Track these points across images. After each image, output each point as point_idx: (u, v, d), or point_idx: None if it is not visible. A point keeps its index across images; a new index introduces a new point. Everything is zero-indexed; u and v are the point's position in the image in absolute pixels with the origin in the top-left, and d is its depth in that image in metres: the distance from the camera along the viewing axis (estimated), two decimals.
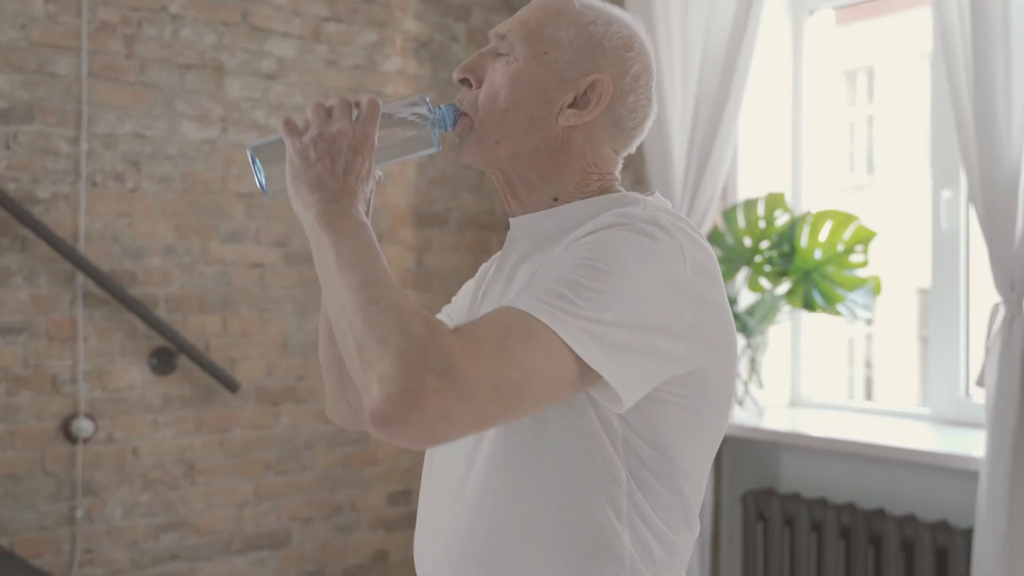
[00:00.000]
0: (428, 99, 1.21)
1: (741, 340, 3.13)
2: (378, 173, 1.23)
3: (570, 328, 0.99)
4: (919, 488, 2.61)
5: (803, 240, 2.90)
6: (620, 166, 1.28)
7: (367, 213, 1.18)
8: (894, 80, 11.93)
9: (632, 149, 1.28)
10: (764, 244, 2.99)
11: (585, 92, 1.19)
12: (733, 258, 3.03)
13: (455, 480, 1.20)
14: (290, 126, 1.15)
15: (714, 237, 3.05)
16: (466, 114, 1.22)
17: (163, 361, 3.07)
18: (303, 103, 3.33)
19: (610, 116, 1.22)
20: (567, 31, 1.20)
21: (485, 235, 3.71)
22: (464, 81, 1.23)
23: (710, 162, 2.93)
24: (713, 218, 3.12)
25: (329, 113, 1.15)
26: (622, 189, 1.26)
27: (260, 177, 1.19)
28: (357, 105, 1.16)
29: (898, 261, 10.77)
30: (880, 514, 2.60)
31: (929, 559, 2.47)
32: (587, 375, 1.02)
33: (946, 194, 2.78)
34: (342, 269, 1.06)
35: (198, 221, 3.15)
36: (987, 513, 2.26)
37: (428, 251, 3.62)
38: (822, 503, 2.71)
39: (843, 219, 2.88)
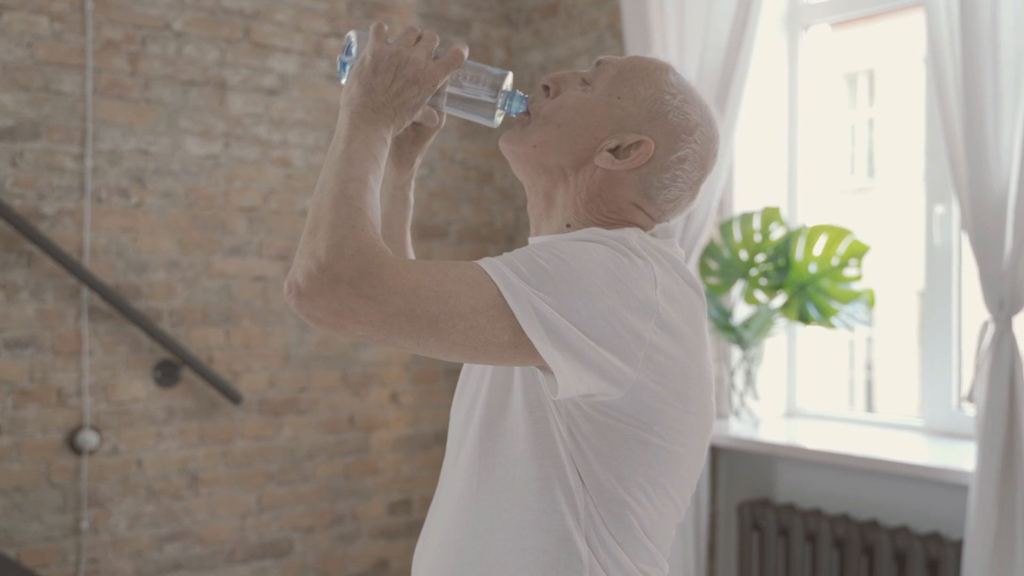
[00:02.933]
0: (511, 77, 1.29)
1: (737, 352, 3.17)
2: (440, 118, 1.33)
3: (518, 295, 1.05)
4: (912, 500, 2.65)
5: (798, 254, 2.94)
6: (653, 224, 1.31)
7: (417, 147, 1.40)
8: (894, 83, 11.96)
9: (662, 222, 1.31)
10: (760, 257, 3.03)
11: (629, 146, 1.24)
12: (729, 271, 3.07)
13: (444, 501, 1.28)
14: (379, 30, 1.22)
15: (710, 250, 3.09)
16: (528, 113, 1.29)
17: (167, 374, 3.12)
18: (305, 118, 3.37)
19: (641, 179, 1.25)
20: (647, 90, 1.26)
21: (484, 247, 3.75)
22: (545, 88, 1.30)
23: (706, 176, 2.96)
24: (709, 231, 3.15)
25: (417, 39, 1.23)
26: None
27: (345, 59, 1.27)
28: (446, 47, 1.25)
29: (899, 263, 10.80)
30: (873, 525, 2.64)
31: (921, 570, 2.51)
32: (519, 347, 1.07)
33: (939, 209, 2.81)
34: (341, 159, 1.14)
35: (201, 235, 3.19)
36: (977, 525, 2.30)
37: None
38: (816, 514, 2.75)
39: (837, 233, 2.91)
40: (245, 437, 3.28)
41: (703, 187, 1.31)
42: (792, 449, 2.85)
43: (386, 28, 1.23)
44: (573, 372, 1.08)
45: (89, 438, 2.96)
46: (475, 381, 1.28)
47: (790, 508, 2.82)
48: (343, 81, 1.26)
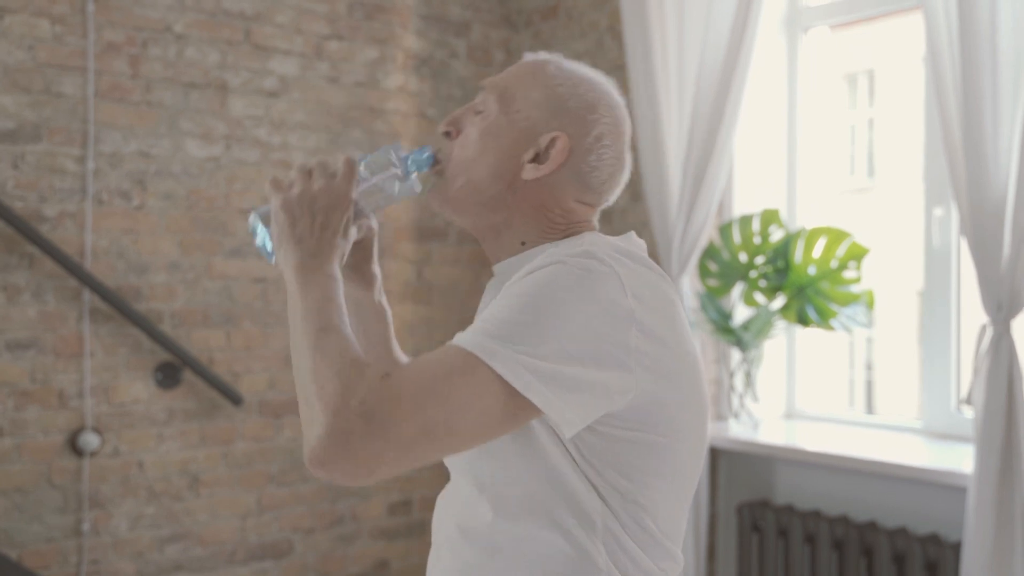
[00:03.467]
0: (400, 146, 1.29)
1: (737, 354, 3.17)
2: (372, 222, 1.33)
3: (506, 362, 1.05)
4: (910, 502, 2.65)
5: (797, 256, 2.95)
6: (596, 214, 1.33)
7: (368, 261, 1.34)
8: (894, 83, 11.95)
9: (607, 202, 1.33)
10: (759, 260, 3.04)
11: (546, 148, 1.26)
12: (728, 273, 3.08)
13: (449, 510, 1.28)
14: (277, 183, 1.23)
15: (710, 252, 3.10)
16: (440, 162, 1.30)
17: (168, 375, 3.12)
18: (306, 120, 3.38)
19: (572, 172, 1.28)
20: (537, 92, 1.28)
21: (483, 249, 3.75)
22: (447, 133, 1.31)
23: (706, 178, 2.97)
24: (709, 234, 3.16)
25: (310, 174, 1.23)
26: (596, 228, 1.33)
27: (264, 240, 1.26)
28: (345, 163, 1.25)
29: (899, 263, 10.80)
30: (872, 527, 2.64)
31: (920, 571, 2.52)
32: (526, 408, 1.08)
33: (938, 212, 2.82)
34: (303, 319, 1.14)
35: (202, 237, 3.20)
36: (975, 527, 2.31)
37: (428, 264, 3.67)
38: (816, 515, 2.76)
39: (837, 236, 2.92)
40: (246, 438, 3.29)
41: (627, 154, 1.33)
42: (791, 451, 2.85)
43: (280, 178, 1.24)
44: (579, 407, 1.09)
45: (90, 439, 2.97)
46: None
47: (789, 509, 2.83)
48: (271, 259, 1.26)
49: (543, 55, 1.34)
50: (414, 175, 1.29)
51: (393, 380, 1.04)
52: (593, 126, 1.28)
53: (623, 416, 1.14)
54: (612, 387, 1.11)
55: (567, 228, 1.30)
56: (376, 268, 1.44)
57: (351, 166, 1.23)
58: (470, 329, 1.10)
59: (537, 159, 1.27)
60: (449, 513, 1.27)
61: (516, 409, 1.07)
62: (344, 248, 1.23)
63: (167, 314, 3.14)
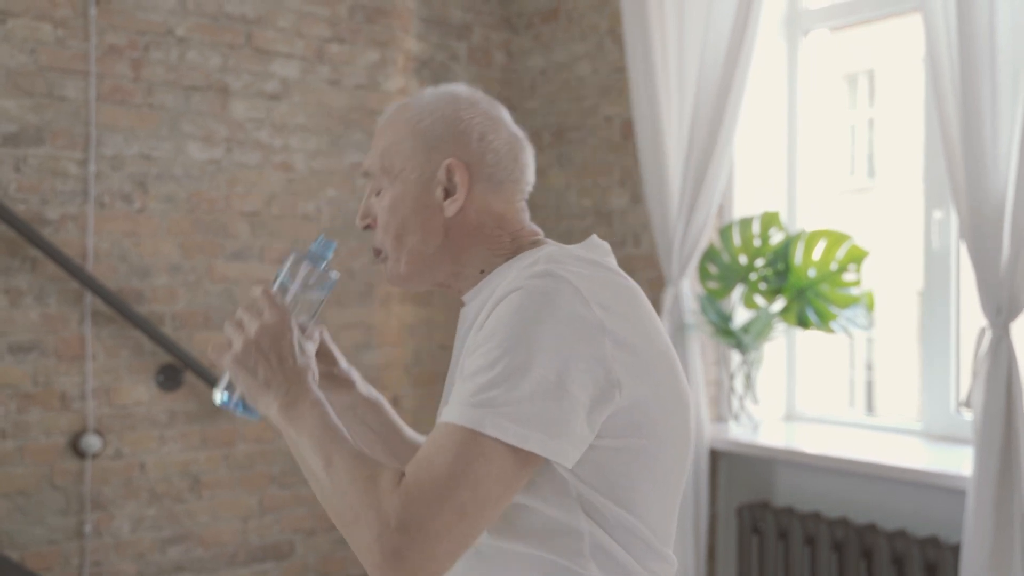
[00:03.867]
0: (297, 252, 1.32)
1: (737, 356, 3.18)
2: (319, 330, 1.35)
3: (496, 426, 1.07)
4: (910, 504, 2.66)
5: (797, 258, 2.96)
6: (526, 212, 1.36)
7: (335, 364, 1.42)
8: (894, 83, 11.96)
9: (529, 184, 1.36)
10: (759, 262, 3.04)
11: (448, 179, 1.29)
12: (728, 275, 3.09)
13: None
14: (219, 346, 1.26)
15: (710, 254, 3.11)
16: (379, 250, 1.33)
17: (169, 377, 3.13)
18: (306, 123, 3.39)
19: (483, 181, 1.31)
20: (406, 141, 1.31)
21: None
22: (367, 226, 1.36)
23: (706, 180, 2.98)
24: (709, 236, 3.17)
25: (241, 324, 1.26)
26: (540, 235, 1.35)
27: (240, 406, 1.29)
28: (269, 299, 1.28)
29: (899, 263, 10.81)
30: (872, 529, 2.65)
31: (919, 573, 2.53)
32: (531, 457, 1.10)
33: (937, 214, 2.83)
34: (309, 455, 1.17)
35: (203, 240, 3.21)
36: (974, 529, 2.32)
37: None
38: (815, 517, 2.77)
39: (836, 238, 2.93)
40: (247, 440, 3.30)
41: (514, 129, 1.35)
42: (791, 453, 2.86)
43: (219, 341, 1.27)
44: (575, 436, 1.11)
45: (92, 441, 2.98)
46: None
47: (789, 511, 2.84)
48: (257, 416, 1.28)
49: (395, 104, 1.37)
50: (323, 266, 1.32)
51: (410, 484, 1.07)
52: (469, 133, 1.31)
53: (607, 425, 1.15)
54: (600, 404, 1.12)
55: (513, 240, 1.32)
56: (345, 366, 1.46)
57: (269, 296, 1.26)
58: (454, 398, 1.12)
59: (448, 193, 1.29)
60: None
61: (525, 459, 1.10)
62: (310, 366, 1.25)
63: (168, 316, 3.15)
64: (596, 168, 3.53)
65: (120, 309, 2.99)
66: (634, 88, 3.14)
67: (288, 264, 1.31)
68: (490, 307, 1.17)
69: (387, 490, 1.07)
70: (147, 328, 3.03)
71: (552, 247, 1.28)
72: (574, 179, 3.61)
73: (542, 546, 1.17)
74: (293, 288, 1.29)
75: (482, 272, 1.32)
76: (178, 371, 3.14)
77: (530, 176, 1.36)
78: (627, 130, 3.39)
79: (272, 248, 3.32)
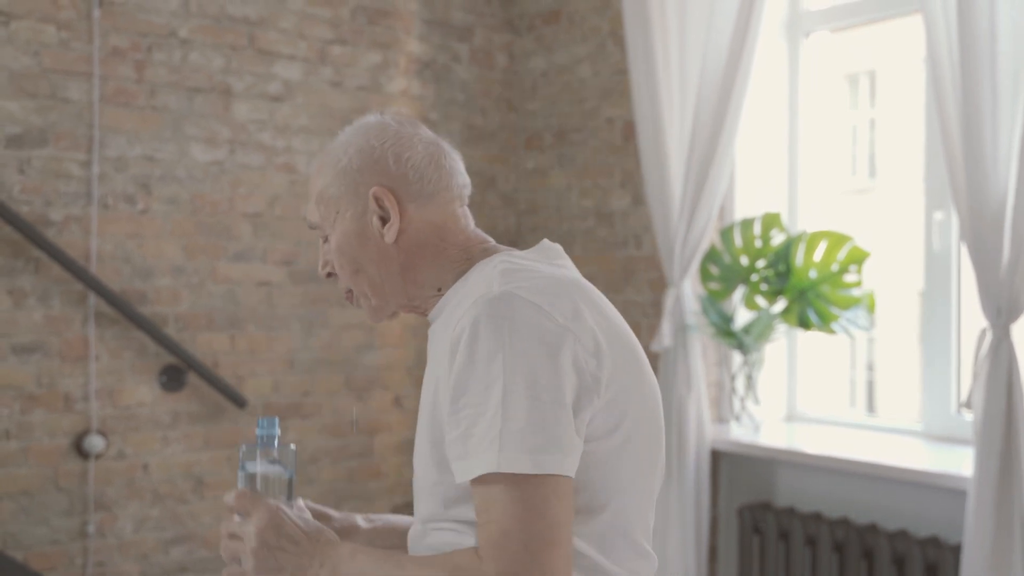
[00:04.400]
0: (245, 444, 1.35)
1: (738, 357, 3.19)
2: (298, 501, 1.37)
3: (510, 460, 1.10)
4: (911, 504, 2.67)
5: (798, 259, 2.97)
6: (468, 218, 1.38)
7: (330, 520, 1.45)
8: (896, 84, 11.97)
9: (463, 188, 1.38)
10: (760, 263, 3.05)
11: (379, 207, 1.32)
12: (730, 276, 3.10)
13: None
14: (234, 573, 1.29)
15: (711, 256, 3.12)
16: (349, 291, 1.39)
17: (172, 378, 3.14)
18: (309, 124, 3.40)
19: (412, 199, 1.33)
20: (332, 184, 1.35)
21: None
22: (329, 274, 1.40)
23: (708, 182, 2.99)
24: (710, 237, 3.18)
25: (236, 537, 1.29)
26: (489, 242, 1.37)
27: None
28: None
29: (900, 263, 10.82)
30: (873, 529, 2.66)
31: (920, 574, 2.53)
32: (559, 476, 1.12)
33: (938, 216, 2.84)
34: None
35: (206, 241, 3.22)
36: (975, 530, 2.32)
37: None
38: (816, 517, 2.77)
39: (838, 239, 2.93)
40: (250, 441, 3.30)
41: (429, 139, 1.37)
42: (792, 453, 2.87)
43: (230, 572, 1.30)
44: (577, 445, 1.14)
45: (95, 442, 2.99)
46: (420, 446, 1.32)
47: (790, 512, 2.85)
48: None
49: (320, 154, 1.42)
50: (276, 443, 1.33)
51: (491, 548, 1.10)
52: (384, 158, 1.34)
53: (589, 429, 1.18)
54: (584, 404, 1.16)
55: (462, 251, 1.35)
56: (340, 516, 1.48)
57: (246, 496, 1.28)
58: (466, 450, 1.13)
59: (383, 221, 1.32)
60: (414, 552, 1.31)
61: (561, 480, 1.12)
62: (320, 526, 1.28)
63: (172, 318, 3.16)
64: (597, 169, 3.53)
65: (123, 310, 3.00)
66: (635, 90, 3.15)
67: (242, 457, 1.33)
68: (455, 333, 1.18)
69: (475, 566, 1.10)
70: (150, 329, 3.04)
71: (504, 258, 1.29)
72: (575, 180, 3.62)
73: None
74: (259, 477, 1.31)
75: (439, 290, 1.35)
76: (181, 372, 3.15)
77: (460, 179, 1.38)
78: (628, 132, 3.40)
79: (275, 250, 3.33)
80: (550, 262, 1.30)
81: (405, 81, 3.60)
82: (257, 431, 1.33)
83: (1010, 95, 2.29)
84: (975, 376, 2.36)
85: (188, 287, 3.19)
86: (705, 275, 3.14)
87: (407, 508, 3.63)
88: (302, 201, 3.39)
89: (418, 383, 3.67)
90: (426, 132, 1.38)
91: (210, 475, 3.23)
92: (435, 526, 1.27)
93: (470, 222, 1.38)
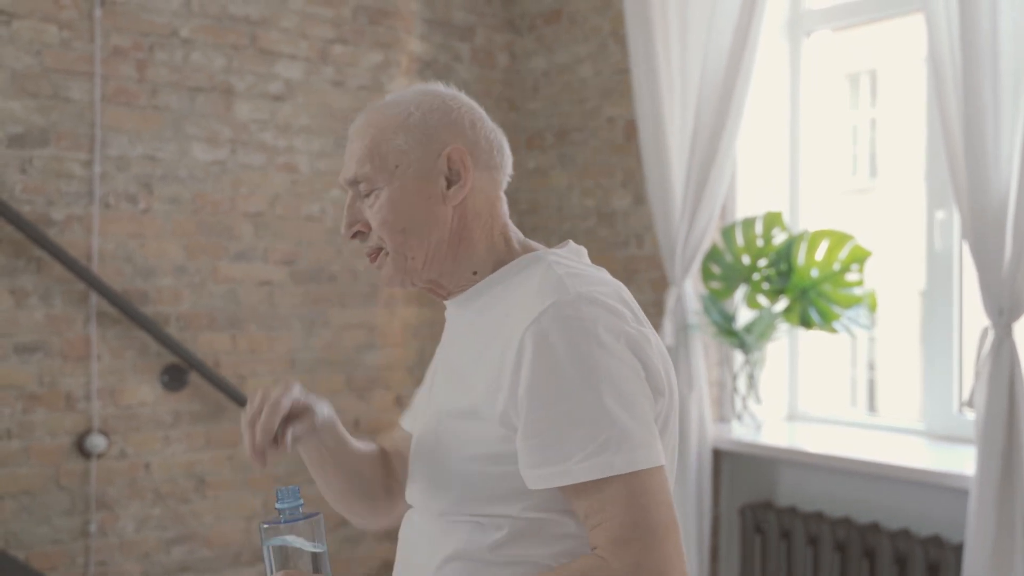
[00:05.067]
0: (267, 523, 1.25)
1: (740, 356, 3.19)
2: (295, 388, 1.33)
3: (627, 460, 1.12)
4: (913, 504, 2.67)
5: (800, 258, 2.96)
6: (506, 204, 1.38)
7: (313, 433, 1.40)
8: (897, 83, 11.96)
9: (508, 179, 1.38)
10: (762, 262, 3.05)
11: (449, 168, 1.29)
12: (731, 275, 3.09)
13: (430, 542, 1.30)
14: None
15: (713, 255, 3.12)
16: (377, 251, 1.32)
17: (174, 378, 3.14)
18: (310, 124, 3.40)
19: (481, 168, 1.32)
20: (398, 136, 1.29)
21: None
22: (358, 233, 1.33)
23: (709, 181, 2.99)
24: (712, 236, 3.18)
25: None
26: (522, 238, 1.37)
27: None
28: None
29: (901, 263, 10.80)
30: (874, 528, 2.66)
31: (922, 573, 2.53)
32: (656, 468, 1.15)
33: (940, 215, 2.84)
34: None
35: (208, 241, 3.22)
36: (977, 529, 2.32)
37: None
38: (818, 517, 2.77)
39: (839, 238, 2.93)
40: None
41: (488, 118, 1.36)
42: (794, 452, 2.87)
43: None
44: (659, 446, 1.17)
45: (97, 442, 2.99)
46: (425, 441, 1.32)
47: (792, 511, 2.85)
48: None
49: (369, 108, 1.35)
50: (301, 512, 1.26)
51: (614, 547, 1.11)
52: (461, 121, 1.32)
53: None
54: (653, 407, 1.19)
55: (502, 239, 1.34)
56: (321, 416, 1.40)
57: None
58: (574, 454, 1.13)
59: (450, 183, 1.30)
60: (430, 544, 1.29)
61: (662, 469, 1.15)
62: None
63: (173, 317, 3.16)
64: (599, 169, 3.53)
65: (125, 310, 3.00)
66: (637, 89, 3.15)
67: (265, 535, 1.23)
68: (526, 336, 1.16)
69: (602, 566, 1.11)
70: (152, 329, 3.04)
71: (555, 260, 1.29)
72: (576, 180, 3.62)
73: (554, 556, 1.20)
74: (288, 555, 1.23)
75: (474, 274, 1.32)
76: (183, 371, 3.15)
77: (510, 167, 1.38)
78: (630, 131, 3.40)
79: (276, 249, 3.33)
80: (586, 265, 1.31)
81: (406, 81, 3.60)
82: (278, 504, 1.24)
83: (1012, 93, 2.29)
84: (977, 375, 2.36)
85: (189, 287, 3.19)
86: (707, 274, 3.14)
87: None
88: (303, 201, 3.39)
89: (418, 382, 3.65)
90: (478, 107, 1.37)
91: (211, 474, 3.23)
92: (454, 519, 1.25)
93: (507, 210, 1.38)
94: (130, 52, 3.08)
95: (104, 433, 3.02)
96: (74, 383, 2.99)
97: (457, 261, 1.32)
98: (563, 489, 1.15)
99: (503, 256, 1.33)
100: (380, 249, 1.32)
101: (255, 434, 1.28)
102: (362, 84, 3.51)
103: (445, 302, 1.37)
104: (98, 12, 3.00)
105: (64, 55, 2.97)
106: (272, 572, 1.22)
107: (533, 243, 1.37)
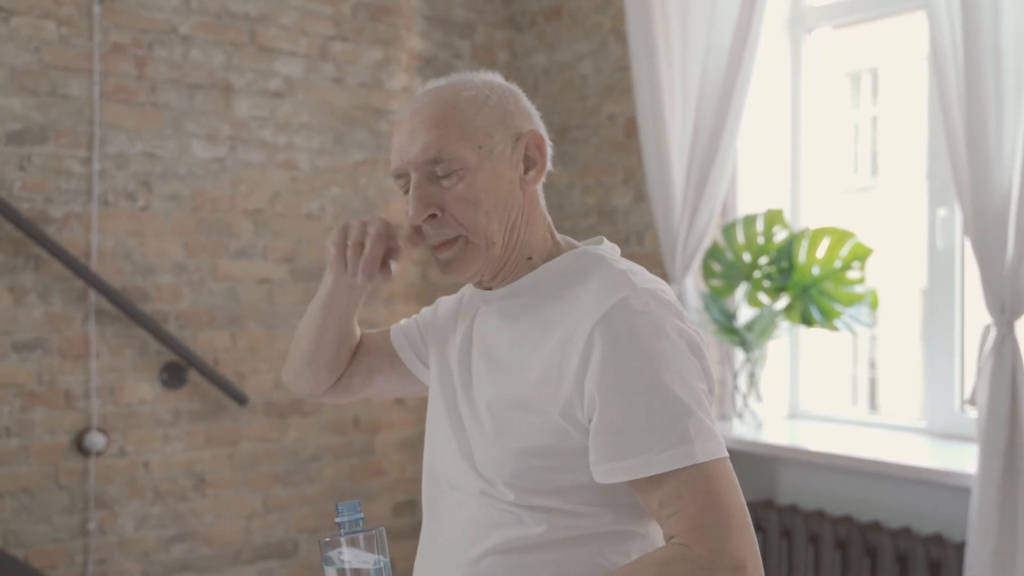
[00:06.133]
0: (327, 539, 1.20)
1: (740, 354, 3.18)
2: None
3: (706, 450, 1.14)
4: (914, 502, 2.66)
5: (801, 256, 2.96)
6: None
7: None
8: (898, 81, 11.95)
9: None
10: (763, 260, 3.04)
11: (526, 153, 1.30)
12: (732, 273, 3.09)
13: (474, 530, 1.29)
14: None
15: (714, 253, 3.11)
16: (453, 240, 1.28)
17: (173, 376, 3.14)
18: (310, 121, 3.39)
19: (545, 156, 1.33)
20: (480, 117, 1.27)
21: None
22: (432, 216, 1.27)
23: (710, 179, 2.98)
24: (713, 234, 3.17)
25: None
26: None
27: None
28: None
29: (902, 261, 10.80)
30: (876, 527, 2.65)
31: (923, 572, 2.52)
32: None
33: (941, 212, 2.83)
34: None
35: (207, 238, 3.21)
36: (979, 528, 2.31)
37: (432, 265, 3.67)
38: (819, 515, 2.76)
39: (840, 236, 2.92)
40: (251, 439, 3.30)
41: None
42: (795, 451, 2.86)
43: None
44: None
45: (96, 440, 2.98)
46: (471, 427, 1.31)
47: (793, 509, 2.84)
48: None
49: (434, 89, 1.31)
50: (361, 525, 1.20)
51: (693, 536, 1.12)
52: (528, 109, 1.33)
53: None
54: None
55: (547, 229, 1.35)
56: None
57: None
58: (651, 446, 1.14)
59: (528, 167, 1.30)
60: (470, 533, 1.28)
61: (727, 459, 1.18)
62: None
63: (173, 315, 3.15)
64: (599, 167, 3.52)
65: (124, 307, 2.99)
66: (637, 86, 3.14)
67: (324, 550, 1.18)
68: (593, 332, 1.18)
69: (684, 554, 1.11)
70: (151, 326, 3.04)
71: (605, 251, 1.31)
72: (577, 178, 3.61)
73: (595, 550, 1.23)
74: (349, 572, 1.17)
75: (529, 259, 1.32)
76: (182, 369, 3.14)
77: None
78: (630, 128, 3.39)
79: (276, 247, 3.33)
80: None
81: (406, 78, 3.59)
82: (338, 519, 1.19)
83: (1014, 89, 2.28)
84: (979, 373, 2.35)
85: (189, 284, 3.18)
86: (707, 272, 3.13)
87: (408, 505, 3.62)
88: (303, 198, 3.38)
89: None
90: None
91: (211, 473, 3.22)
92: (498, 508, 1.25)
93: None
94: (129, 49, 3.07)
95: (103, 431, 3.02)
96: (73, 381, 2.99)
97: (520, 248, 1.32)
98: (635, 481, 1.17)
99: (550, 246, 1.34)
100: (455, 238, 1.27)
101: (356, 261, 1.31)
102: (362, 81, 3.50)
103: (484, 292, 1.35)
104: (97, 9, 3.00)
105: (63, 52, 2.97)
106: None
107: (569, 238, 1.38)
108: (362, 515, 1.19)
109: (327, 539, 1.19)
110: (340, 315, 1.47)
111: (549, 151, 1.33)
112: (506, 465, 1.23)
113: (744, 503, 1.16)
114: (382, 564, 1.19)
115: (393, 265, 1.33)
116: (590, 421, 1.18)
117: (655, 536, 1.26)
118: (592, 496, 1.21)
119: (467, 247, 1.28)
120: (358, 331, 1.55)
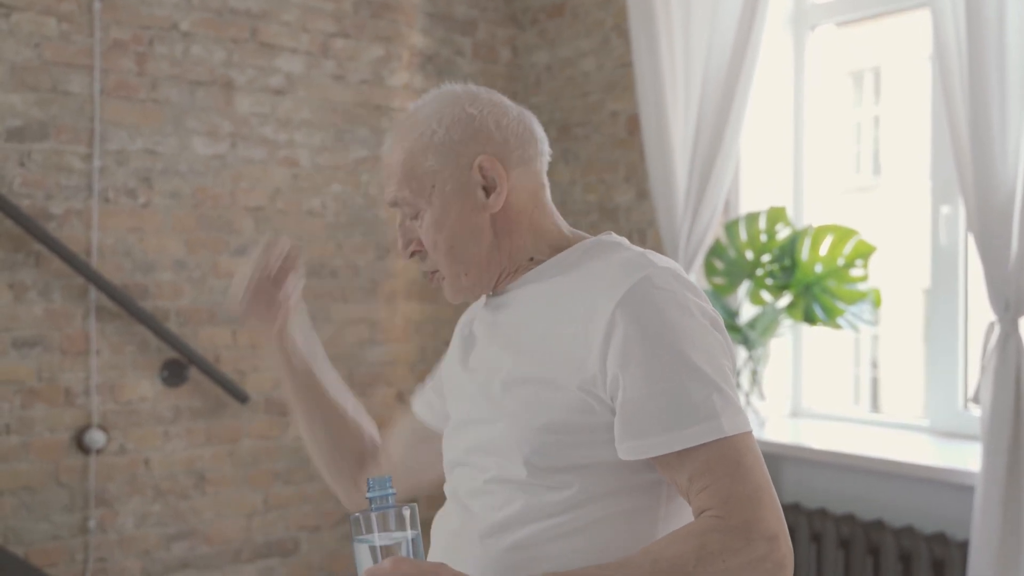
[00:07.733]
0: (359, 515, 1.17)
1: (742, 352, 3.17)
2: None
3: (733, 423, 1.16)
4: (917, 500, 2.65)
5: (804, 254, 2.94)
6: (548, 188, 1.39)
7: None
8: (900, 80, 11.94)
9: (547, 153, 1.38)
10: (765, 257, 3.03)
11: (485, 178, 1.29)
12: (735, 271, 3.07)
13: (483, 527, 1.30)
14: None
15: (716, 250, 3.10)
16: (434, 271, 1.34)
17: (174, 373, 3.13)
18: (311, 118, 3.38)
19: (515, 167, 1.32)
20: (427, 157, 1.30)
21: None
22: (415, 253, 1.34)
23: (712, 176, 2.97)
24: (715, 231, 3.16)
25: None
26: (565, 223, 1.39)
27: None
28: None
29: (904, 260, 10.78)
30: (879, 525, 2.64)
31: (926, 570, 2.51)
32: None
33: (945, 210, 2.81)
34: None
35: (208, 235, 3.20)
36: (982, 526, 2.30)
37: None
38: (822, 514, 2.75)
39: (843, 234, 2.91)
40: (251, 437, 3.29)
41: (515, 106, 1.36)
42: (798, 449, 2.85)
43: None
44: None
45: (96, 437, 2.98)
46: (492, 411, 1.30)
47: (795, 508, 2.83)
48: None
49: (396, 127, 1.35)
50: (392, 502, 1.19)
51: (728, 509, 1.13)
52: (485, 126, 1.31)
53: None
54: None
55: (554, 225, 1.36)
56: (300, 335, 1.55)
57: (397, 562, 1.12)
58: (681, 421, 1.15)
59: (488, 190, 1.30)
60: (479, 513, 1.30)
61: (751, 432, 1.20)
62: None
63: (173, 312, 3.14)
64: (601, 164, 3.51)
65: (125, 305, 2.99)
66: (640, 83, 3.13)
67: (356, 528, 1.15)
68: (614, 314, 1.18)
69: (718, 525, 1.12)
70: (152, 324, 3.03)
71: (620, 240, 1.33)
72: (579, 175, 3.60)
73: (610, 529, 1.22)
74: (379, 550, 1.14)
75: (532, 260, 1.33)
76: (183, 367, 3.14)
77: (547, 145, 1.37)
78: (633, 126, 3.38)
79: None
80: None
81: (408, 75, 3.58)
82: (368, 494, 1.16)
83: (1019, 86, 2.26)
84: (983, 370, 2.34)
85: (189, 281, 3.17)
86: (710, 270, 3.12)
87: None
88: (304, 195, 3.37)
89: (421, 378, 3.64)
90: (509, 100, 1.37)
91: (211, 471, 3.21)
92: (512, 486, 1.26)
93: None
94: (130, 45, 3.06)
95: (103, 429, 3.01)
96: (73, 378, 2.98)
97: (513, 255, 1.33)
98: (662, 457, 1.17)
99: (557, 240, 1.35)
100: (436, 271, 1.34)
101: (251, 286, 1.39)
102: (363, 78, 3.49)
103: (494, 298, 1.36)
104: (98, 5, 2.99)
105: (63, 48, 2.96)
106: (360, 568, 1.15)
107: (580, 232, 1.39)
108: (393, 491, 1.18)
109: (357, 515, 1.17)
110: (306, 392, 1.58)
111: (529, 152, 1.33)
112: (526, 442, 1.23)
113: (769, 476, 1.17)
114: (412, 538, 1.17)
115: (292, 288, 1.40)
116: (613, 400, 1.19)
117: (668, 514, 1.25)
118: (609, 474, 1.21)
119: (445, 283, 1.34)
120: (352, 416, 1.64)
